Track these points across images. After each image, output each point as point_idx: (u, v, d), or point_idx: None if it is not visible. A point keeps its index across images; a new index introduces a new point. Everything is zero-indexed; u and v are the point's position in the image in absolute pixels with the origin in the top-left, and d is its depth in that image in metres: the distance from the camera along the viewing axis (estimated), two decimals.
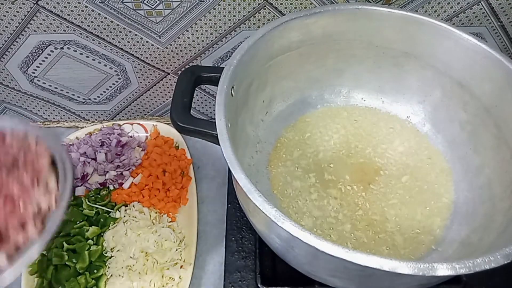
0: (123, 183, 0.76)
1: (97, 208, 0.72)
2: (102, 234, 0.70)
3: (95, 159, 0.77)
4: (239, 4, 0.69)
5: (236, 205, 0.70)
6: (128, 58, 0.80)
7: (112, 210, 0.72)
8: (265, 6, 0.70)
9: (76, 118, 0.95)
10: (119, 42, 0.76)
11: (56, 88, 0.86)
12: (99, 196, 0.74)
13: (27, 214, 0.45)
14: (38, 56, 0.79)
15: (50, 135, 0.55)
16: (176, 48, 0.77)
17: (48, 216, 0.47)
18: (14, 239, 0.44)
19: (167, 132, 0.83)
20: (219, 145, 0.48)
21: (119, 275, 0.66)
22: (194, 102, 0.91)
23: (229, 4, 0.69)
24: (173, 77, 0.84)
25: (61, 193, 0.48)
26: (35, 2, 0.69)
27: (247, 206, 0.53)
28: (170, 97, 0.88)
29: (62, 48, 0.77)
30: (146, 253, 0.67)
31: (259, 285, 0.62)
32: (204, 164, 0.82)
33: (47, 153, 0.52)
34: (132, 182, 0.76)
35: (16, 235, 0.44)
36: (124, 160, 0.78)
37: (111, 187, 0.76)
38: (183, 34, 0.75)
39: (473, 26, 0.74)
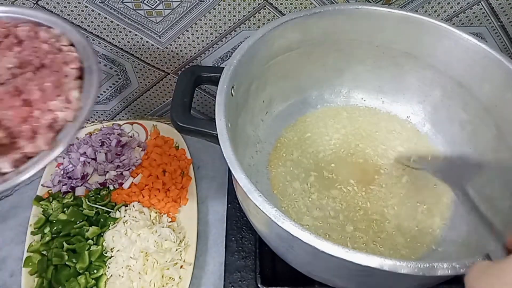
0: (123, 183, 0.76)
1: (97, 208, 0.72)
2: (102, 234, 0.70)
3: (95, 159, 0.77)
4: (239, 4, 0.69)
5: (236, 205, 0.70)
6: (128, 58, 0.80)
7: (112, 210, 0.72)
8: (265, 6, 0.70)
9: None
10: (119, 42, 0.76)
11: None
12: (99, 196, 0.74)
13: (41, 124, 0.44)
14: None
15: (86, 44, 0.52)
16: (176, 48, 0.77)
17: (63, 129, 0.45)
18: (23, 147, 0.43)
19: (167, 132, 0.83)
20: (219, 145, 0.48)
21: (119, 275, 0.66)
22: (194, 102, 0.91)
23: (229, 4, 0.69)
24: (173, 77, 0.84)
25: (82, 108, 0.46)
26: (35, 2, 0.69)
27: (247, 206, 0.53)
28: (170, 97, 0.88)
29: None
30: (146, 253, 0.67)
31: (259, 285, 0.62)
32: (204, 164, 0.82)
33: (76, 62, 0.49)
34: (132, 182, 0.76)
35: (26, 143, 0.43)
36: (124, 160, 0.78)
37: (111, 187, 0.76)
38: (183, 34, 0.75)
39: (473, 26, 0.73)
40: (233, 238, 0.67)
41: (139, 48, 0.78)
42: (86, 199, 0.73)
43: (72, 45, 0.52)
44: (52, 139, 0.44)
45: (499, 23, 0.73)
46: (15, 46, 0.50)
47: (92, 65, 0.49)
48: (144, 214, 0.72)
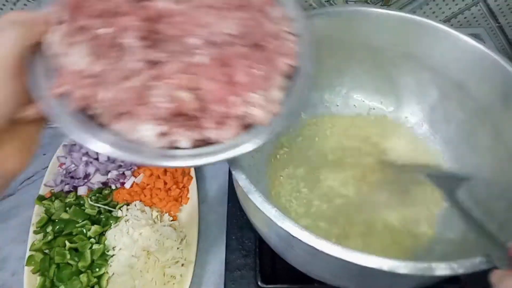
0: (125, 183, 0.76)
1: (99, 207, 0.73)
2: (104, 233, 0.71)
3: (97, 159, 0.78)
4: None
5: (236, 204, 0.70)
6: None
7: (114, 209, 0.73)
8: None
9: None
10: None
11: None
12: (101, 195, 0.75)
13: (233, 113, 0.37)
14: None
15: (307, 40, 0.44)
16: None
17: (251, 130, 0.38)
18: (207, 130, 0.37)
19: None
20: None
21: (121, 274, 0.67)
22: None
23: None
24: None
25: (281, 114, 0.39)
26: (37, 4, 0.69)
27: (247, 206, 0.54)
28: None
29: None
30: (148, 251, 0.68)
31: (259, 283, 0.63)
32: None
33: (293, 57, 0.41)
34: (134, 181, 0.76)
35: (212, 126, 0.37)
36: None
37: (113, 187, 0.76)
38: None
39: (472, 27, 0.74)
40: (233, 237, 0.68)
41: None
42: (88, 199, 0.73)
43: (295, 36, 0.43)
44: (239, 131, 0.38)
45: (497, 24, 0.73)
46: (237, 9, 0.42)
47: (305, 67, 0.42)
48: (146, 213, 0.72)
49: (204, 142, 0.38)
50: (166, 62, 0.37)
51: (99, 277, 0.66)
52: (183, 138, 0.37)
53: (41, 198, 0.74)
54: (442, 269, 0.39)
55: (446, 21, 0.73)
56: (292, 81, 0.41)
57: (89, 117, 0.36)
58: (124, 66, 0.36)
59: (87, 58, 0.36)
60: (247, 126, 0.38)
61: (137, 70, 0.36)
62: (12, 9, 0.70)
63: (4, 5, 0.69)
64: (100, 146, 0.35)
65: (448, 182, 0.57)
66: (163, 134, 0.37)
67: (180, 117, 0.37)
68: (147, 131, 0.36)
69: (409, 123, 0.72)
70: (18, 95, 0.34)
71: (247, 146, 0.38)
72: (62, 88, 0.35)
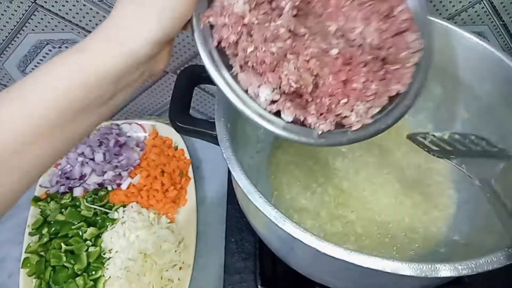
0: (121, 184, 0.75)
1: (95, 209, 0.72)
2: (100, 235, 0.70)
3: (93, 159, 0.77)
4: None
5: (236, 205, 0.69)
6: None
7: (110, 211, 0.72)
8: None
9: None
10: None
11: None
12: (97, 196, 0.74)
13: (335, 111, 0.40)
14: (36, 55, 0.78)
15: (423, 77, 0.44)
16: (175, 46, 0.77)
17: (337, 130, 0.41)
18: (310, 114, 0.40)
19: (166, 132, 0.82)
20: (218, 145, 0.47)
21: (118, 277, 0.66)
22: (193, 102, 0.90)
23: None
24: (172, 76, 0.83)
25: (367, 126, 0.41)
26: (33, 1, 0.68)
27: (247, 207, 0.53)
28: (169, 96, 0.87)
29: (60, 47, 0.77)
30: (145, 254, 0.67)
31: (259, 286, 0.62)
32: (203, 164, 0.82)
33: (404, 86, 0.42)
34: (131, 182, 0.75)
35: (314, 113, 0.40)
36: (122, 160, 0.77)
37: (109, 188, 0.75)
38: (182, 33, 0.74)
39: (475, 25, 0.73)
40: (233, 239, 0.67)
41: None
42: (84, 200, 0.73)
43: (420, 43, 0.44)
44: (331, 129, 0.41)
45: (501, 22, 0.73)
46: (382, 20, 0.43)
47: (406, 98, 0.43)
48: (143, 215, 0.71)
49: (299, 121, 0.41)
50: (304, 39, 0.39)
51: (96, 280, 0.66)
52: (288, 112, 0.40)
53: (36, 199, 0.73)
54: (446, 271, 0.38)
55: (450, 19, 0.72)
56: (392, 104, 0.43)
57: (222, 52, 0.40)
58: (274, 28, 0.38)
59: (245, 5, 0.38)
60: (337, 124, 0.41)
61: (282, 36, 0.38)
62: (8, 7, 0.69)
63: (0, 3, 0.69)
64: (218, 80, 0.39)
65: (482, 168, 0.54)
66: (273, 102, 0.40)
67: (293, 93, 0.40)
68: (264, 94, 0.39)
69: (411, 122, 0.71)
70: (191, 12, 0.39)
71: (328, 140, 0.41)
72: (210, 19, 0.39)
